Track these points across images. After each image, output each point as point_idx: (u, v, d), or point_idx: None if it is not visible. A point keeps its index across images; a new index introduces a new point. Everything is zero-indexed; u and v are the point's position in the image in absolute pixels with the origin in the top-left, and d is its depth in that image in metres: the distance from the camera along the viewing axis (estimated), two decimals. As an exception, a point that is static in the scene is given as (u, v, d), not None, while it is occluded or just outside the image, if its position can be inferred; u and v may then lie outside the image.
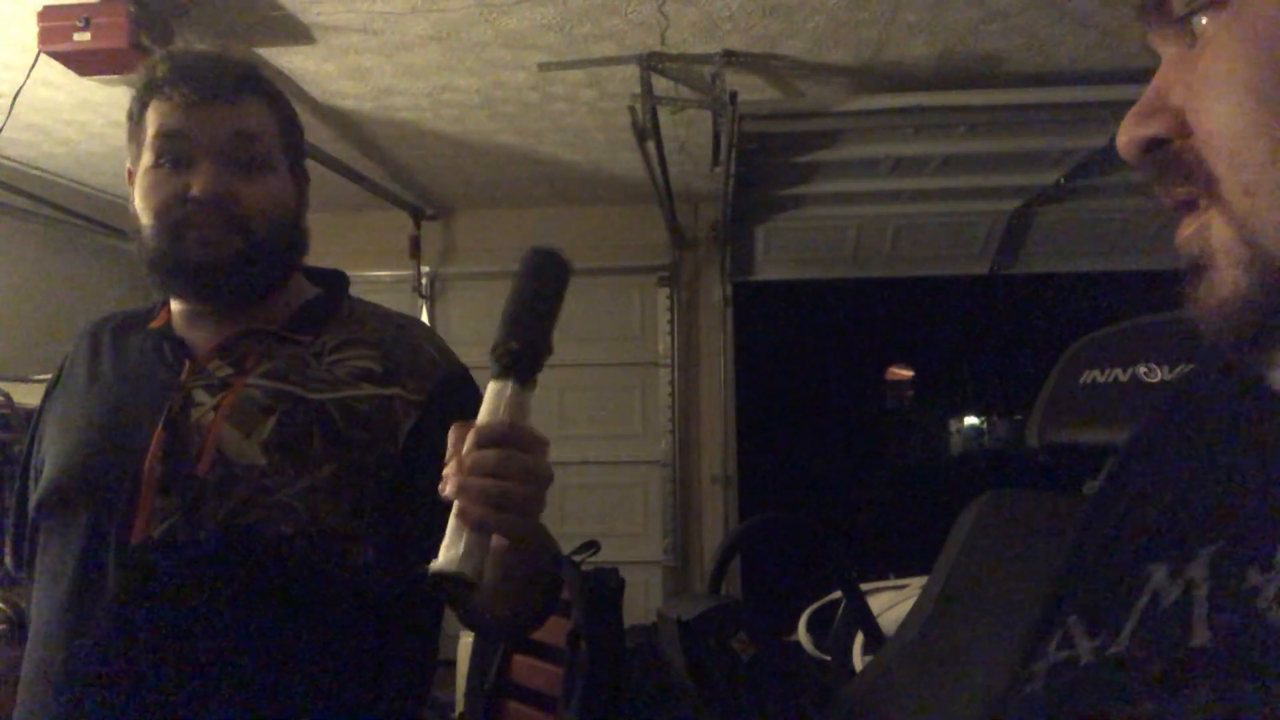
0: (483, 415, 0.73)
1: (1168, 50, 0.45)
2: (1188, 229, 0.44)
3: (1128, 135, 0.45)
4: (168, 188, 0.98)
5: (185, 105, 0.97)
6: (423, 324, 1.20)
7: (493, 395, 0.74)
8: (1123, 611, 0.43)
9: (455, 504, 0.70)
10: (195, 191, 0.96)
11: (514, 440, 0.72)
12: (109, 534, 0.92)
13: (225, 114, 0.99)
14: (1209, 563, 0.41)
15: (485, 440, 0.71)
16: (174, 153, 0.98)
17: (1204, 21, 0.42)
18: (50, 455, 1.01)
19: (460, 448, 0.72)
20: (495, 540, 0.72)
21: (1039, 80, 2.73)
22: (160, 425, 0.95)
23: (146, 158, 0.99)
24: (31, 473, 1.06)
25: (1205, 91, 0.42)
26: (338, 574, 0.94)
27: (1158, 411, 0.56)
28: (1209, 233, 0.42)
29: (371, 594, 0.95)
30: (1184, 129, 0.43)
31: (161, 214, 0.98)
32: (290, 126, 1.07)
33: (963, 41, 2.52)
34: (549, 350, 0.75)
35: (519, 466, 0.72)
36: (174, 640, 0.89)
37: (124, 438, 0.96)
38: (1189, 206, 0.44)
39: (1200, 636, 0.39)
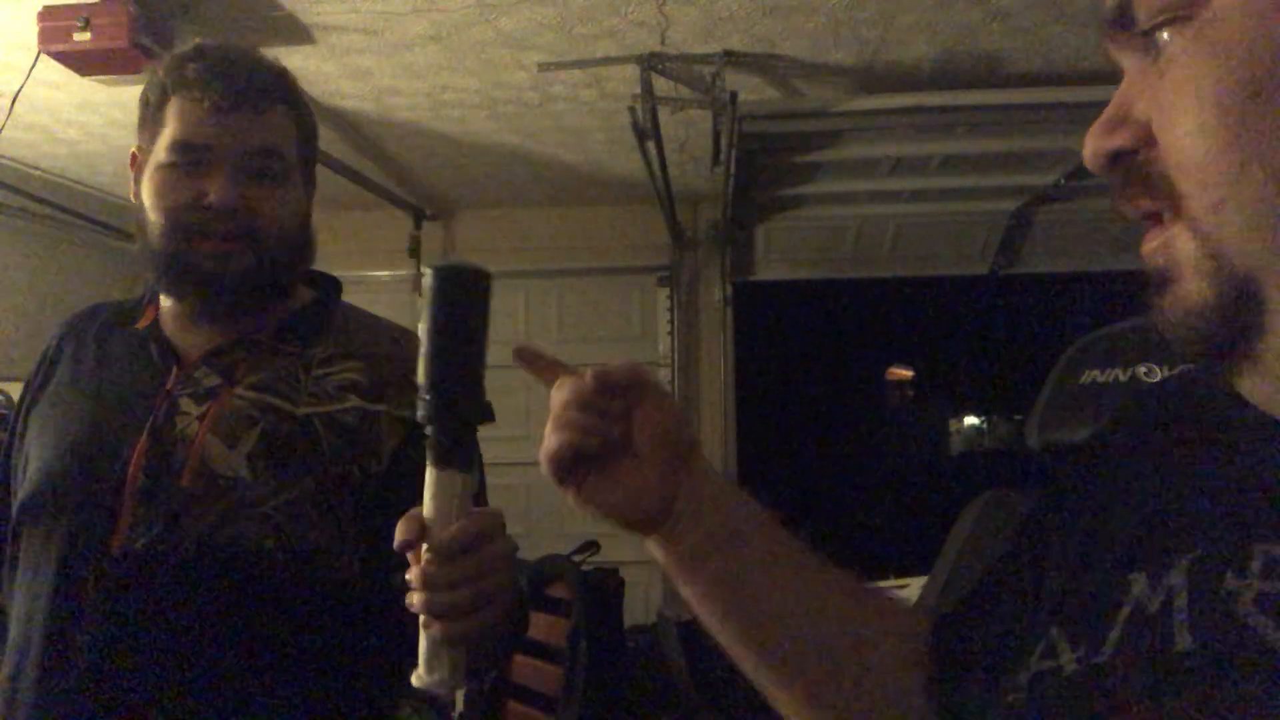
0: (430, 512, 0.68)
1: (1131, 62, 0.45)
2: (1153, 241, 0.44)
3: (1093, 147, 0.45)
4: (182, 191, 0.96)
5: (211, 110, 0.95)
6: (416, 337, 1.20)
7: (439, 490, 0.68)
8: (1106, 622, 0.43)
9: (423, 618, 0.69)
10: (212, 199, 0.95)
11: (475, 546, 0.69)
12: (88, 543, 0.91)
13: (251, 124, 0.97)
14: (1187, 570, 0.41)
15: (446, 554, 0.68)
16: (193, 158, 0.96)
17: (1167, 36, 0.42)
18: (33, 459, 1.00)
19: (418, 551, 0.69)
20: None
21: (1039, 80, 2.73)
22: (144, 434, 0.94)
23: (161, 155, 0.97)
24: (15, 471, 1.04)
25: (1171, 106, 0.42)
26: (318, 587, 0.93)
27: (1121, 419, 0.56)
28: (1174, 245, 0.43)
29: (352, 606, 0.94)
30: (1149, 141, 0.43)
31: (173, 217, 0.96)
32: (309, 137, 1.06)
33: (963, 41, 2.52)
34: (489, 415, 0.68)
35: (485, 568, 0.70)
36: (154, 651, 0.88)
37: (106, 444, 0.95)
38: (1153, 218, 0.44)
39: (1182, 643, 0.39)
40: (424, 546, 0.69)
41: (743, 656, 0.64)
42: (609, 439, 0.62)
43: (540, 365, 0.66)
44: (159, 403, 0.96)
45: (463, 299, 0.66)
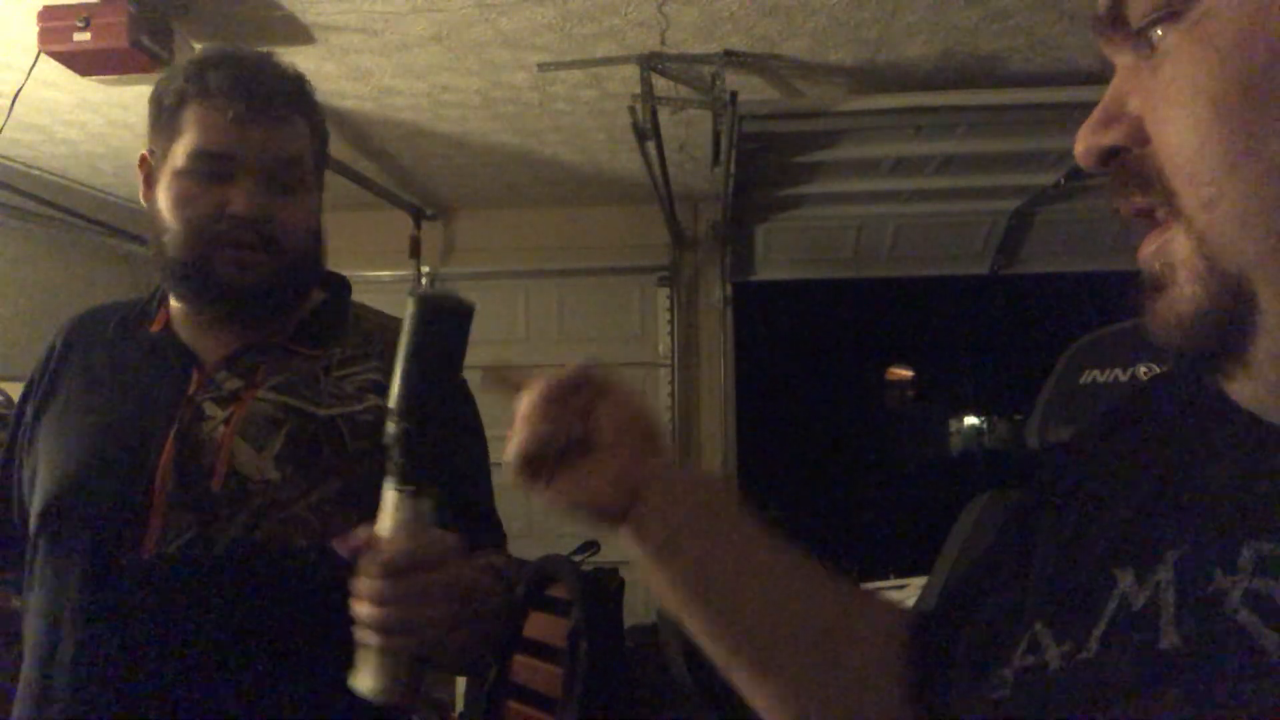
0: (381, 528, 0.71)
1: (1124, 59, 0.45)
2: (1151, 245, 0.44)
3: (1085, 144, 0.45)
4: (203, 200, 0.96)
5: (234, 119, 0.95)
6: None
7: (391, 509, 0.70)
8: (1091, 618, 0.43)
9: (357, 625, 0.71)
10: (235, 209, 0.95)
11: (412, 567, 0.71)
12: (116, 549, 0.91)
13: (272, 134, 0.97)
14: (1174, 566, 0.41)
15: (380, 572, 0.71)
16: (215, 167, 0.96)
17: (1160, 33, 0.42)
18: (46, 466, 0.99)
19: (365, 565, 0.71)
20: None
21: (1039, 80, 2.73)
22: (170, 438, 0.94)
23: (180, 161, 0.97)
24: (20, 475, 1.04)
25: (1164, 103, 0.42)
26: (346, 585, 0.94)
27: (1109, 416, 0.56)
28: (1171, 248, 0.42)
29: None
30: (1142, 138, 0.43)
31: (194, 226, 0.96)
32: (324, 143, 1.06)
33: (963, 41, 2.52)
34: (452, 442, 0.70)
35: (418, 593, 0.72)
36: (190, 651, 0.89)
37: (129, 450, 0.95)
38: (1147, 216, 0.44)
39: (1169, 639, 0.39)
40: (367, 558, 0.71)
41: (716, 650, 0.63)
42: (570, 435, 0.62)
43: (511, 386, 0.67)
44: (183, 407, 0.96)
45: (441, 330, 0.67)
